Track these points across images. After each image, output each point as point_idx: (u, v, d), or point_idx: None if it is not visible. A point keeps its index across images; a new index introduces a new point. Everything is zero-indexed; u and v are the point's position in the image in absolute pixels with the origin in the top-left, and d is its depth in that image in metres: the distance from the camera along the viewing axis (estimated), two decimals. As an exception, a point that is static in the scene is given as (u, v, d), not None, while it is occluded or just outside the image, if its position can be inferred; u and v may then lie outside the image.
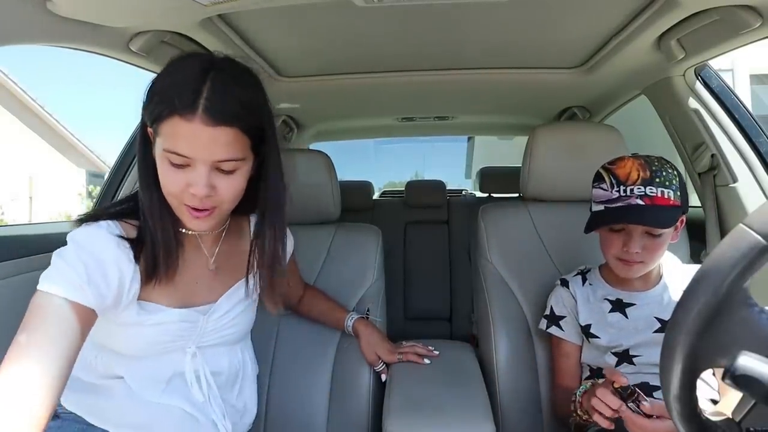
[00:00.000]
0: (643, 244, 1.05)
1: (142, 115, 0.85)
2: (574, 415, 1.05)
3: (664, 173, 1.04)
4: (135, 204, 0.90)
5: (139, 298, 0.89)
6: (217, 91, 0.79)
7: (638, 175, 1.04)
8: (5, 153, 9.91)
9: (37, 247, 1.21)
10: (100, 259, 0.82)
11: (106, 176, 1.66)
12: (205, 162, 0.80)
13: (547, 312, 1.25)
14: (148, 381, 0.94)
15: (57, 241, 1.27)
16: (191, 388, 0.97)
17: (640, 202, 1.03)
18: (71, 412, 0.95)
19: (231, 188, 0.85)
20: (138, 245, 0.87)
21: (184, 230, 0.95)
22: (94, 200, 1.62)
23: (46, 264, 1.17)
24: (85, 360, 0.93)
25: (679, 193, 1.04)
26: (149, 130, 0.85)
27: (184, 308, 0.94)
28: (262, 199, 0.95)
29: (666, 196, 1.02)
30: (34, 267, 1.20)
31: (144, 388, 0.93)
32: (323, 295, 1.37)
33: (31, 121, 11.01)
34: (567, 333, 1.21)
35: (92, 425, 0.93)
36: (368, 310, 1.38)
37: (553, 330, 1.23)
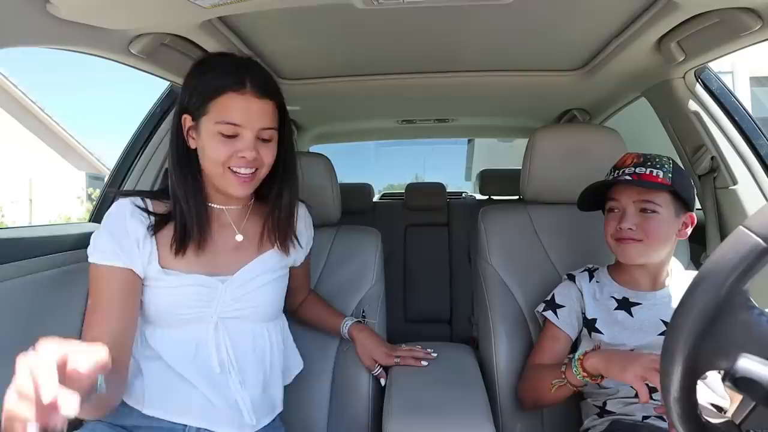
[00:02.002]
0: (636, 222, 1.11)
1: (178, 104, 1.01)
2: (563, 376, 1.05)
3: (656, 159, 1.12)
4: (167, 188, 1.03)
5: (162, 266, 1.00)
6: (258, 73, 0.99)
7: (632, 161, 1.14)
8: (5, 155, 9.91)
9: (37, 250, 1.21)
10: (121, 225, 0.98)
11: (106, 178, 1.66)
12: (253, 129, 0.97)
13: (548, 298, 1.26)
14: (176, 351, 1.01)
15: (57, 243, 1.27)
16: (210, 357, 1.01)
17: (627, 177, 1.11)
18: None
19: (269, 155, 1.01)
20: (162, 220, 1.01)
21: (213, 205, 1.07)
22: (94, 203, 1.62)
23: (47, 266, 1.18)
24: (137, 342, 1.03)
25: (670, 176, 1.10)
26: (185, 117, 0.99)
27: (201, 275, 1.01)
28: (281, 173, 1.09)
29: (654, 174, 1.10)
30: (35, 269, 1.20)
31: (173, 357, 1.00)
32: (322, 301, 1.37)
33: (30, 124, 11.01)
34: (561, 321, 1.21)
35: (132, 407, 1.01)
36: (363, 312, 1.38)
37: (548, 314, 1.23)
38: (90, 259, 0.96)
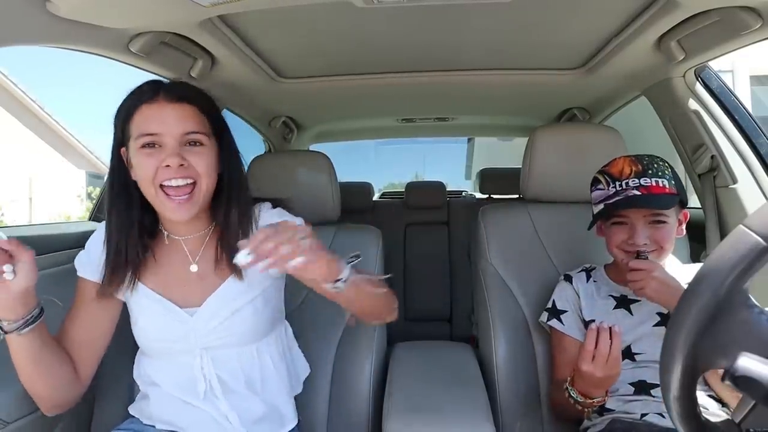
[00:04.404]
0: (648, 235, 1.09)
1: (114, 140, 0.99)
2: (584, 411, 1.07)
3: (655, 165, 1.10)
4: None
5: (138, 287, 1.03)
6: (173, 83, 1.00)
7: (631, 169, 1.10)
8: (5, 154, 9.90)
9: (36, 249, 1.20)
10: (97, 242, 1.03)
11: (105, 177, 1.66)
12: (173, 135, 0.93)
13: (549, 305, 1.26)
14: (172, 380, 1.04)
15: (57, 241, 1.27)
16: (197, 386, 1.02)
17: (636, 192, 1.08)
18: (134, 416, 1.11)
19: (201, 162, 0.95)
20: None
21: (173, 236, 1.05)
22: (94, 201, 1.62)
23: (47, 264, 1.18)
24: (137, 370, 1.10)
25: (673, 182, 1.09)
26: (122, 150, 0.98)
27: (173, 304, 1.02)
28: (225, 188, 1.03)
29: (661, 185, 1.08)
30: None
31: (170, 385, 1.04)
32: None
33: (30, 122, 11.00)
34: (567, 327, 1.21)
35: (145, 424, 1.08)
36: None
37: (554, 323, 1.23)
38: None
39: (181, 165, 0.92)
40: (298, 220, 1.02)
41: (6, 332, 0.88)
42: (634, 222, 1.10)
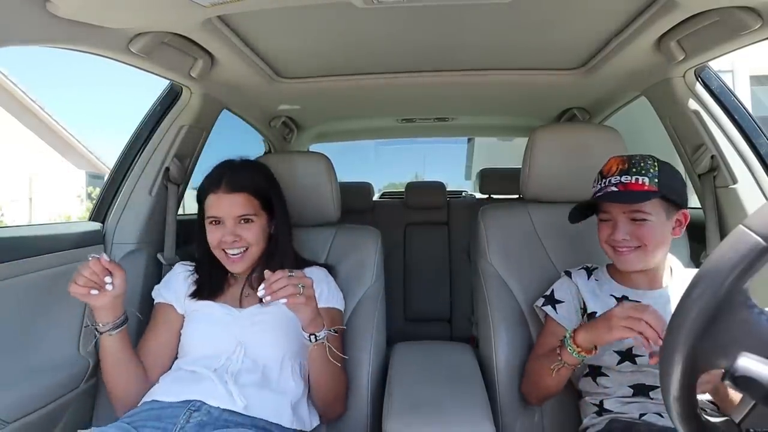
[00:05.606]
0: (629, 231, 1.11)
1: (198, 213, 1.30)
2: (559, 358, 1.08)
3: (641, 164, 1.11)
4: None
5: (197, 299, 1.28)
6: (233, 174, 1.26)
7: (617, 167, 1.13)
8: (5, 154, 9.90)
9: (37, 249, 1.21)
10: (172, 274, 1.35)
11: (105, 177, 1.66)
12: (229, 217, 1.22)
13: (547, 293, 1.26)
14: (200, 358, 1.19)
15: (57, 242, 1.27)
16: (219, 358, 1.17)
17: (614, 188, 1.11)
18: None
19: (252, 235, 1.24)
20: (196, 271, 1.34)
21: (233, 273, 1.31)
22: (94, 202, 1.62)
23: (47, 265, 1.18)
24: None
25: (656, 180, 1.09)
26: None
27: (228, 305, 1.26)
28: (273, 242, 1.30)
29: (640, 182, 1.10)
30: (35, 268, 1.20)
31: (197, 365, 1.17)
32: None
33: (30, 122, 11.01)
34: (560, 316, 1.22)
35: (157, 401, 1.13)
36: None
37: (548, 309, 1.24)
38: None
39: (235, 241, 1.22)
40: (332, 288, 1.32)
41: (101, 333, 1.12)
42: (615, 217, 1.13)
